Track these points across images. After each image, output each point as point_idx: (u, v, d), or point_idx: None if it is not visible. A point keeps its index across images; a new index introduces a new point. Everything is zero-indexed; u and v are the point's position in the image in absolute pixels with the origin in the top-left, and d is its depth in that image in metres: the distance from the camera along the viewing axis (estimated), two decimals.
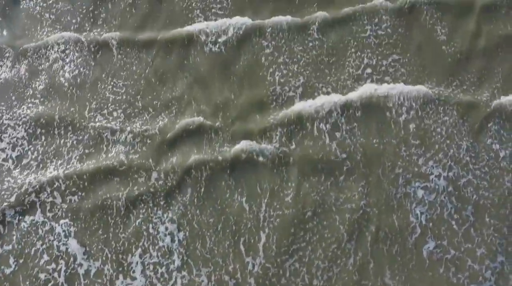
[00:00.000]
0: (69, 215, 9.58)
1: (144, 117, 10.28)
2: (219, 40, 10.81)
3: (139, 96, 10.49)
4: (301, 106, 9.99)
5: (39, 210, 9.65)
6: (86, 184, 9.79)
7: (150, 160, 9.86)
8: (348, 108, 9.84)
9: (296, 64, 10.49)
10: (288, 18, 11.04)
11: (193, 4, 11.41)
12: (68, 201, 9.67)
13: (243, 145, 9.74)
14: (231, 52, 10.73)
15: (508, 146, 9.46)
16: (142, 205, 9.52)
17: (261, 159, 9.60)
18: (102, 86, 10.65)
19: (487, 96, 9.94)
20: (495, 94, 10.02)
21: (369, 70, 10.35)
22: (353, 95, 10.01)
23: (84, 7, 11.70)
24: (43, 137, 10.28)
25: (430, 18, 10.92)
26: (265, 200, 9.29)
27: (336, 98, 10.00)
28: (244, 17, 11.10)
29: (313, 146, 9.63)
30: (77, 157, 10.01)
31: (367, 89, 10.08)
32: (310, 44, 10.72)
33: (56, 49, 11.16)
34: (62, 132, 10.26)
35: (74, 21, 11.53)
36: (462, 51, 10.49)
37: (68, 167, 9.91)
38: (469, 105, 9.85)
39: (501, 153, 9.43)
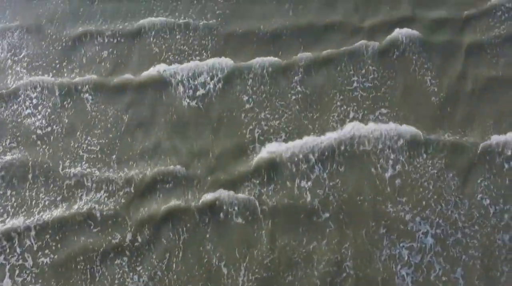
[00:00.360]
0: (40, 280, 9.88)
1: (119, 174, 10.81)
2: (197, 94, 11.63)
3: (114, 156, 11.08)
4: (277, 151, 10.67)
5: (7, 274, 9.94)
6: (58, 245, 10.18)
7: (126, 218, 10.32)
8: (331, 163, 10.55)
9: (277, 120, 11.17)
10: (271, 59, 11.90)
11: (171, 57, 12.31)
12: (39, 264, 10.00)
13: (220, 194, 10.29)
14: (210, 107, 11.44)
15: (498, 202, 10.01)
16: (118, 269, 9.89)
17: (240, 220, 10.22)
18: (76, 145, 11.32)
19: (476, 147, 10.56)
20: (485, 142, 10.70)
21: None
22: (335, 136, 10.73)
23: (57, 61, 12.65)
24: (13, 199, 10.77)
25: (420, 68, 11.75)
26: (244, 264, 9.75)
27: (316, 140, 10.71)
28: (226, 58, 11.99)
29: (294, 205, 10.18)
30: (50, 217, 10.41)
31: (351, 127, 10.84)
32: (293, 97, 11.44)
33: (27, 104, 11.89)
34: (34, 193, 10.80)
35: (46, 75, 12.42)
36: (452, 101, 11.23)
37: (39, 226, 10.30)
38: (458, 156, 10.48)
39: (491, 209, 9.96)
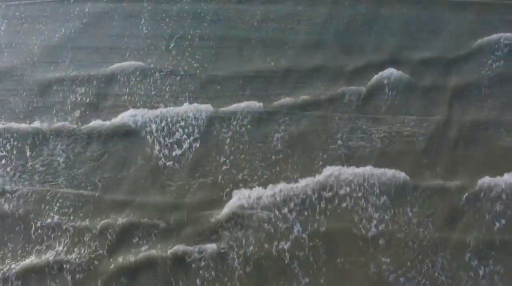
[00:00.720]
0: None
1: (92, 231, 11.05)
2: (173, 154, 12.08)
3: (86, 217, 11.31)
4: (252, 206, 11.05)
5: None
6: None
7: (99, 282, 10.46)
8: (312, 223, 10.85)
9: (256, 182, 11.51)
10: (254, 103, 12.61)
11: (143, 105, 13.04)
12: None
13: (193, 254, 10.57)
14: (185, 168, 11.85)
15: (488, 263, 10.21)
16: None
17: None
18: (46, 207, 11.55)
19: (461, 200, 11.02)
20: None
21: None
22: (313, 181, 11.21)
23: (27, 110, 13.26)
24: None
25: (407, 125, 12.30)
26: None
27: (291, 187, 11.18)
28: (205, 105, 12.68)
29: (272, 269, 10.40)
30: (17, 282, 10.57)
31: (331, 171, 11.31)
32: (273, 157, 11.87)
33: None
34: (0, 258, 11.06)
35: (15, 123, 12.97)
36: (437, 152, 11.78)
37: None
38: (445, 213, 10.86)
39: (480, 270, 10.16)
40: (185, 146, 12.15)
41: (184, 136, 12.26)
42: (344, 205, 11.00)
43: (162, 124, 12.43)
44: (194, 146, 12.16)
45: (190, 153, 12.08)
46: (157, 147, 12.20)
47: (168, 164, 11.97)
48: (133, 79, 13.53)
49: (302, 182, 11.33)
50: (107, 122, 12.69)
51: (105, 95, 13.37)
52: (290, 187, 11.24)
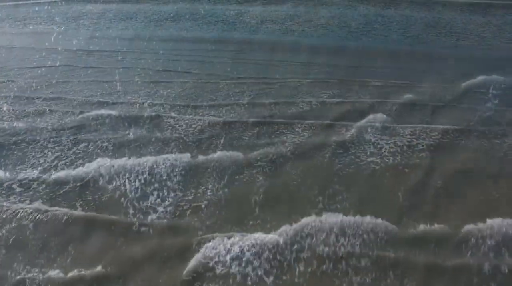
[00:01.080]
0: None
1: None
2: (148, 219, 12.35)
3: (57, 269, 11.26)
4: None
5: None
6: None
7: None
8: None
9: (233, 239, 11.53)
10: (232, 154, 13.20)
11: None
12: None
13: None
14: (158, 234, 11.99)
15: None
16: None
17: None
18: (13, 274, 11.70)
19: (449, 263, 10.88)
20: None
21: None
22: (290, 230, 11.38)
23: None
24: None
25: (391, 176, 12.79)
26: None
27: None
28: (185, 154, 13.25)
29: None
30: None
31: (309, 220, 11.54)
32: (250, 222, 12.04)
33: None
34: None
35: None
36: (420, 202, 12.10)
37: None
38: (429, 278, 10.80)
39: None
40: (160, 209, 12.35)
41: (159, 200, 12.52)
42: (324, 267, 11.06)
43: (136, 184, 12.83)
44: (168, 210, 12.38)
45: (164, 217, 12.28)
46: (131, 211, 12.44)
47: (142, 229, 12.14)
48: (105, 128, 14.00)
49: (279, 238, 11.45)
50: (79, 171, 13.20)
51: (75, 144, 13.98)
52: (265, 247, 11.30)
